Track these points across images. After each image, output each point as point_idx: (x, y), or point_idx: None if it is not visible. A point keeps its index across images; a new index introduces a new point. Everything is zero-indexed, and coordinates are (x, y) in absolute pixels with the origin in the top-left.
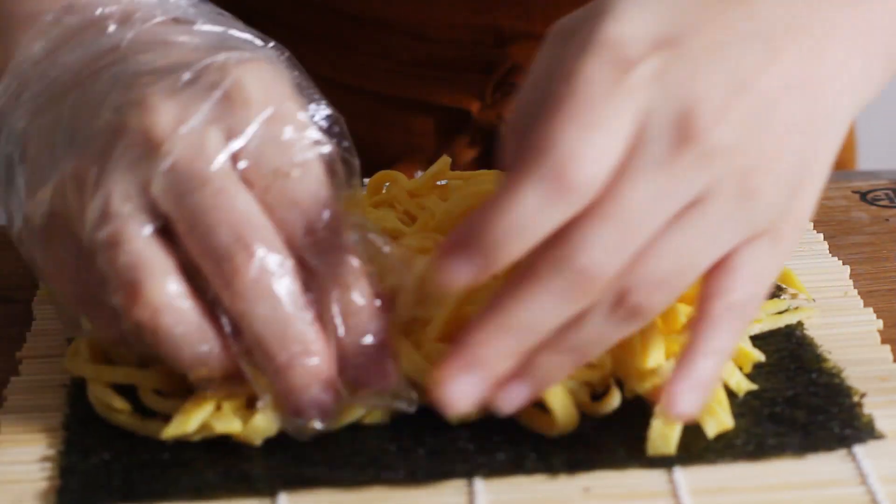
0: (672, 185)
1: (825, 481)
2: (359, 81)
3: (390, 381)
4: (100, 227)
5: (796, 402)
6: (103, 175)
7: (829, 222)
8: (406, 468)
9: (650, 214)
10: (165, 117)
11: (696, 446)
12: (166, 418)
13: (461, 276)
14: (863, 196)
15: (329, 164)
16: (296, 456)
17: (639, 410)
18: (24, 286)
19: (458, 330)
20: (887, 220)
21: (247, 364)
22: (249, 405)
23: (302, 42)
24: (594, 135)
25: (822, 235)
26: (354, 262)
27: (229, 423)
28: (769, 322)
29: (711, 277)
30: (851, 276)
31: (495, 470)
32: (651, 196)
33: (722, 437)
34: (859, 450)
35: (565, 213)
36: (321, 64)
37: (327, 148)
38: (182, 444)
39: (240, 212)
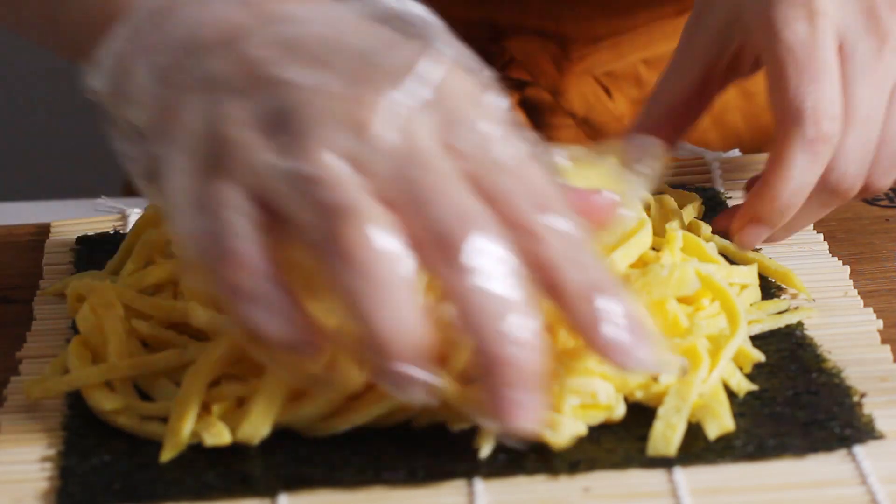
0: (882, 76)
1: (825, 481)
2: None
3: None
4: (320, 191)
5: (796, 402)
6: (303, 130)
7: (829, 222)
8: (406, 468)
9: (876, 110)
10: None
11: (696, 447)
12: (163, 419)
13: (758, 240)
14: None
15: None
16: (295, 456)
17: (639, 411)
18: (24, 286)
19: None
20: (887, 220)
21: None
22: (239, 404)
23: None
24: (823, 84)
25: (821, 235)
26: (597, 261)
27: (218, 436)
28: (769, 322)
29: None
30: (851, 276)
31: (495, 470)
32: (871, 95)
33: (722, 438)
34: (859, 450)
35: (827, 158)
36: None
37: (532, 137)
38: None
39: (461, 197)
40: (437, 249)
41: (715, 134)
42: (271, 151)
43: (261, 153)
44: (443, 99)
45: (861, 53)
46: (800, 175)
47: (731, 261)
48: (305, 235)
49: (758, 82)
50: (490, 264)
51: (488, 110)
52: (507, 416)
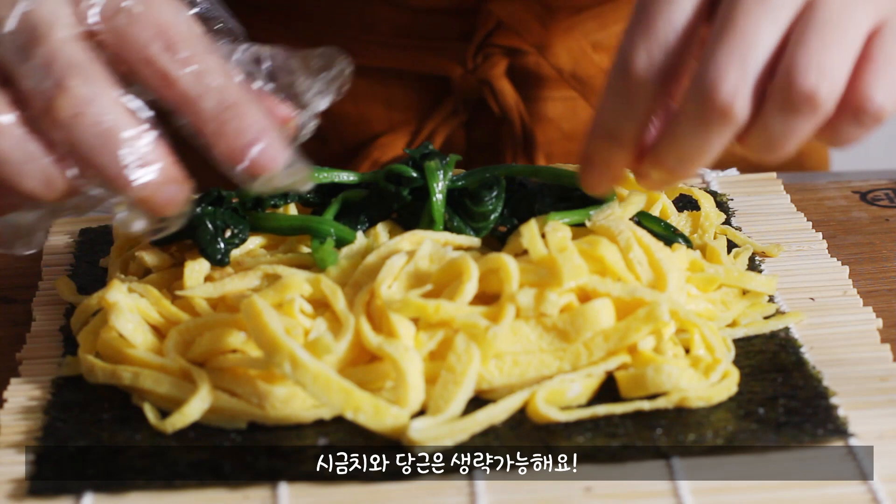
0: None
1: (826, 480)
2: None
3: (277, 161)
4: None
5: (774, 403)
6: None
7: (829, 222)
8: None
9: (764, 27)
10: None
11: (696, 446)
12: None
13: (595, 178)
14: (863, 196)
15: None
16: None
17: (640, 412)
18: (24, 286)
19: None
20: (887, 220)
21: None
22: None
23: (283, 20)
24: (646, 26)
25: (821, 235)
26: (219, 62)
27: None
28: (754, 327)
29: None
30: (851, 276)
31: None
32: (752, 8)
33: (693, 432)
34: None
35: (641, 103)
36: (302, 41)
37: None
38: (157, 434)
39: (63, 54)
40: (41, 109)
41: None
42: None
43: None
44: None
45: None
46: (609, 112)
47: (755, 266)
48: None
49: None
50: (87, 112)
51: None
52: (160, 213)
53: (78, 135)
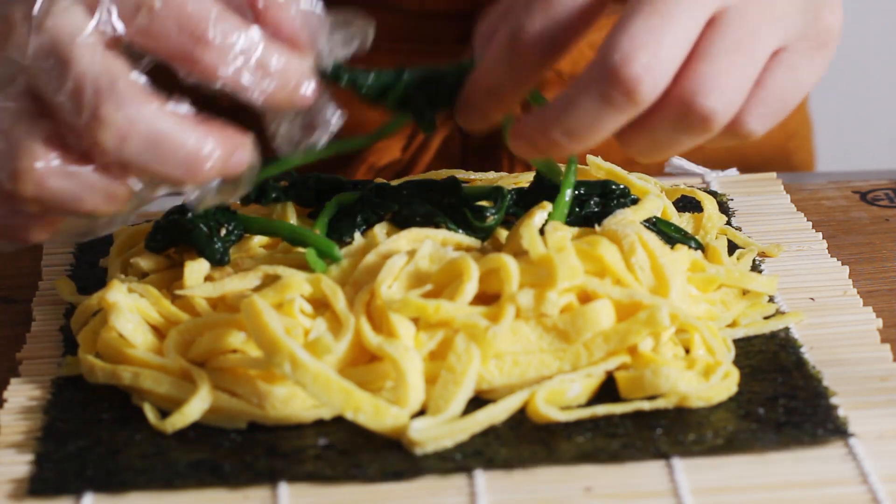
0: None
1: (826, 481)
2: None
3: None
4: None
5: (774, 403)
6: None
7: (829, 222)
8: (378, 465)
9: (683, 14)
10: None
11: (696, 446)
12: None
13: (530, 153)
14: (863, 196)
15: None
16: (268, 448)
17: (640, 412)
18: (24, 286)
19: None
20: (887, 220)
21: None
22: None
23: None
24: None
25: (821, 235)
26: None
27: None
28: (754, 328)
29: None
30: (851, 276)
31: (496, 463)
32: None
33: (693, 431)
34: (860, 449)
35: (523, 72)
36: None
37: None
38: (157, 434)
39: (89, 78)
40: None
41: None
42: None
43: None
44: None
45: None
46: (491, 66)
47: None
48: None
49: None
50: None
51: None
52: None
53: (129, 154)
